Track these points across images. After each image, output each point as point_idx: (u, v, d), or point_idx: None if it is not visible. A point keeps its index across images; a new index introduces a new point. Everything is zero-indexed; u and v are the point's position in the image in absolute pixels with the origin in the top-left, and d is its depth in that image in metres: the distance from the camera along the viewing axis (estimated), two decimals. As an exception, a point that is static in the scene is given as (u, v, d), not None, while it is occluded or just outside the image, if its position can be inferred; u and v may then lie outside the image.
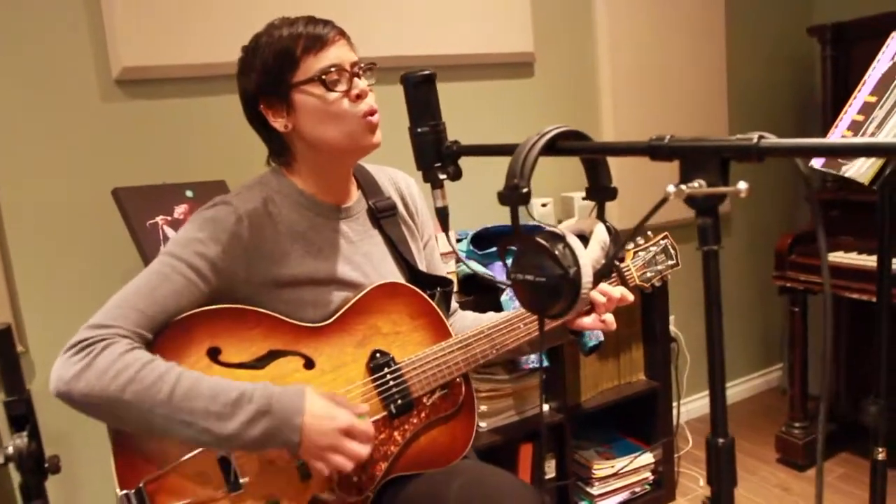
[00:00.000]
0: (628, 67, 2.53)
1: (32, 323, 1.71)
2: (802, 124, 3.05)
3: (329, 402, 1.08)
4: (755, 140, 0.63)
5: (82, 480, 1.78)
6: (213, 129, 1.87)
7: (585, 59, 2.50)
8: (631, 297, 1.28)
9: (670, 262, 1.44)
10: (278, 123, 1.17)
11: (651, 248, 1.43)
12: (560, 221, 2.41)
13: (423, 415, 1.23)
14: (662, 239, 1.44)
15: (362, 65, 1.17)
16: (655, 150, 0.70)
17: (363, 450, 1.08)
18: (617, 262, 1.37)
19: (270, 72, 1.14)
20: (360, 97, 1.15)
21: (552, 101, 2.44)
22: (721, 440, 0.71)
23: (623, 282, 1.37)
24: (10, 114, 1.65)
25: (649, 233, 1.45)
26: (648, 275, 1.41)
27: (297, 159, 1.21)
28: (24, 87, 1.66)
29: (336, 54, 1.14)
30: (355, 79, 1.15)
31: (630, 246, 1.41)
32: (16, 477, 0.97)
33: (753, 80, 2.93)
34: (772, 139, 0.63)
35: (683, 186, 0.66)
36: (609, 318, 1.28)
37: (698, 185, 0.66)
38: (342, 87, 1.14)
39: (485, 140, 2.44)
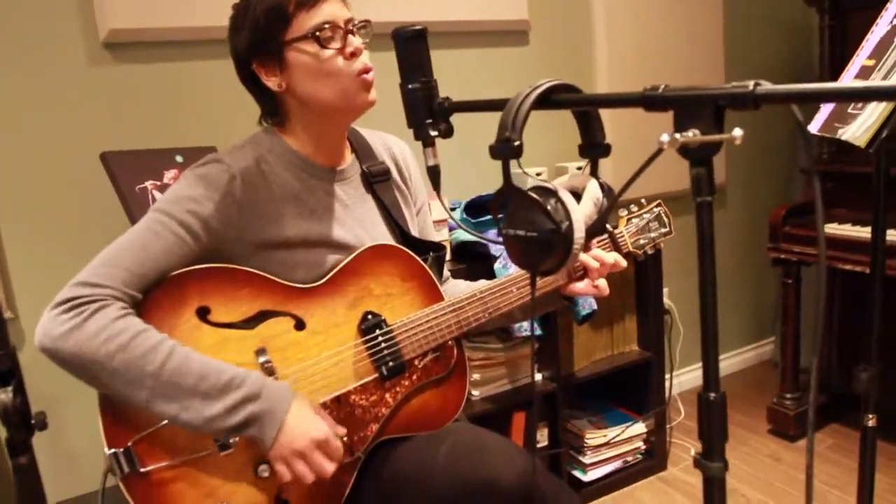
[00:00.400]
0: (624, 38, 2.50)
1: (22, 289, 1.70)
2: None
3: (313, 411, 1.08)
4: (751, 87, 0.62)
5: (73, 442, 1.78)
6: (203, 93, 1.85)
7: (581, 29, 2.47)
8: (624, 262, 1.27)
9: (663, 230, 1.42)
10: (272, 82, 1.14)
11: (644, 216, 1.42)
12: (554, 192, 2.39)
13: (414, 377, 1.23)
14: (656, 206, 1.43)
15: (356, 22, 1.15)
16: (649, 101, 0.69)
17: (329, 467, 1.07)
18: (610, 228, 1.36)
19: (262, 30, 1.11)
20: (354, 55, 1.13)
21: (547, 71, 2.41)
22: (713, 395, 0.71)
23: (616, 248, 1.36)
24: (-5, 76, 1.62)
25: (643, 200, 1.44)
26: (641, 242, 1.40)
27: (290, 119, 1.19)
28: (8, 50, 1.63)
29: (329, 10, 1.11)
30: (350, 36, 1.13)
31: (623, 213, 1.40)
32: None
33: (750, 51, 2.90)
34: (768, 86, 0.61)
35: (678, 135, 0.65)
36: (602, 283, 1.27)
37: (692, 135, 0.65)
38: (336, 44, 1.11)
39: (478, 108, 2.39)
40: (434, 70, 0.97)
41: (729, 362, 3.11)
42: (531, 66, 2.38)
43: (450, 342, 1.25)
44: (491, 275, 1.92)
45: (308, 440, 1.04)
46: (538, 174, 2.23)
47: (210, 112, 1.85)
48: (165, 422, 1.05)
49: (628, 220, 1.41)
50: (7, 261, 1.68)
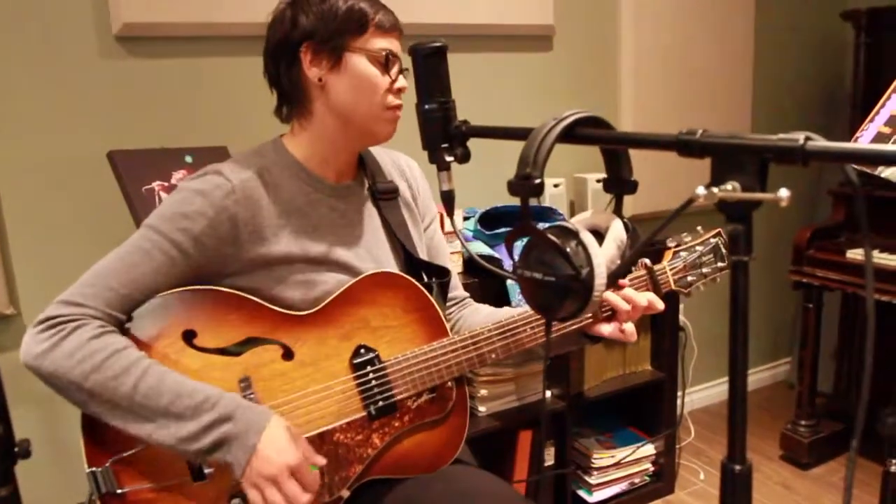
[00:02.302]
0: (651, 46, 2.43)
1: (25, 285, 1.67)
2: (829, 113, 2.94)
3: (290, 436, 1.02)
4: (801, 141, 0.56)
5: (68, 448, 1.75)
6: (216, 92, 1.80)
7: (607, 36, 2.40)
8: (660, 305, 1.14)
9: (720, 265, 1.23)
10: (312, 73, 1.10)
11: (697, 248, 1.24)
12: (572, 203, 2.33)
13: (406, 418, 1.15)
14: (713, 237, 1.25)
15: (404, 66, 1.12)
16: (685, 146, 0.63)
17: (302, 497, 1.01)
18: (649, 264, 1.21)
19: (336, 24, 1.08)
20: (400, 91, 1.13)
21: (570, 78, 2.35)
22: (738, 467, 0.65)
23: (655, 286, 1.21)
24: (4, 68, 1.58)
25: (699, 228, 1.27)
26: (690, 279, 1.23)
27: (310, 116, 1.13)
28: (19, 41, 1.59)
29: (394, 44, 1.12)
30: (401, 75, 1.13)
31: (671, 243, 1.24)
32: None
33: (781, 65, 2.82)
34: (820, 142, 0.56)
35: (715, 189, 0.59)
36: (629, 328, 1.14)
37: (732, 189, 0.59)
38: (393, 74, 1.11)
39: (496, 115, 2.35)
40: (454, 74, 0.92)
41: (742, 382, 3.04)
42: (553, 73, 2.31)
43: (449, 383, 1.17)
44: (503, 289, 1.87)
45: (280, 466, 0.99)
46: (556, 185, 2.17)
47: (222, 111, 1.81)
48: (145, 446, 1.02)
49: (675, 252, 1.24)
50: (11, 255, 1.64)
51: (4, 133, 1.60)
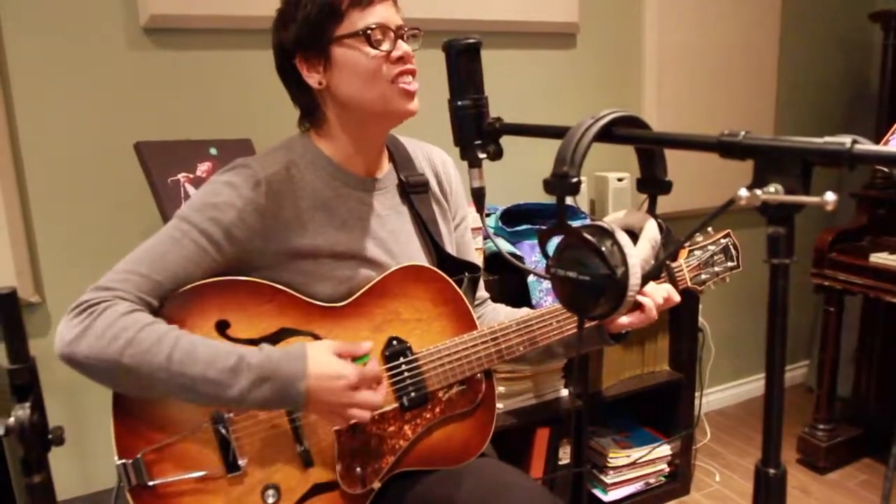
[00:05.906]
0: (675, 44, 2.41)
1: (50, 273, 1.68)
2: (853, 115, 2.91)
3: (332, 357, 1.03)
4: (848, 144, 0.55)
5: (91, 436, 1.76)
6: (241, 84, 1.81)
7: (631, 35, 2.39)
8: (677, 298, 1.18)
9: (730, 264, 1.31)
10: (312, 79, 1.10)
11: (709, 247, 1.30)
12: (592, 202, 2.32)
13: (437, 410, 1.16)
14: (723, 237, 1.31)
15: (407, 29, 1.11)
16: (727, 147, 0.63)
17: (376, 397, 1.04)
18: (668, 261, 1.26)
19: (312, 24, 1.07)
20: (401, 59, 1.09)
21: (593, 76, 2.34)
22: (772, 470, 0.65)
23: (672, 282, 1.26)
24: (33, 59, 1.60)
25: (710, 229, 1.32)
26: (703, 277, 1.29)
27: (327, 121, 1.14)
28: (48, 32, 1.60)
29: (382, 13, 1.08)
30: (399, 41, 1.09)
31: (685, 243, 1.30)
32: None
33: (805, 66, 2.79)
34: (867, 145, 0.55)
35: (758, 191, 0.59)
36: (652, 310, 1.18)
37: (775, 191, 0.59)
38: (385, 46, 1.07)
39: (520, 111, 2.34)
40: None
41: (760, 384, 3.02)
42: (577, 70, 2.30)
43: (478, 375, 1.19)
44: (525, 286, 1.87)
45: (340, 391, 1.01)
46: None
47: (247, 104, 1.81)
48: (178, 437, 1.03)
49: (690, 251, 1.29)
50: (37, 244, 1.66)
51: (32, 123, 1.62)
